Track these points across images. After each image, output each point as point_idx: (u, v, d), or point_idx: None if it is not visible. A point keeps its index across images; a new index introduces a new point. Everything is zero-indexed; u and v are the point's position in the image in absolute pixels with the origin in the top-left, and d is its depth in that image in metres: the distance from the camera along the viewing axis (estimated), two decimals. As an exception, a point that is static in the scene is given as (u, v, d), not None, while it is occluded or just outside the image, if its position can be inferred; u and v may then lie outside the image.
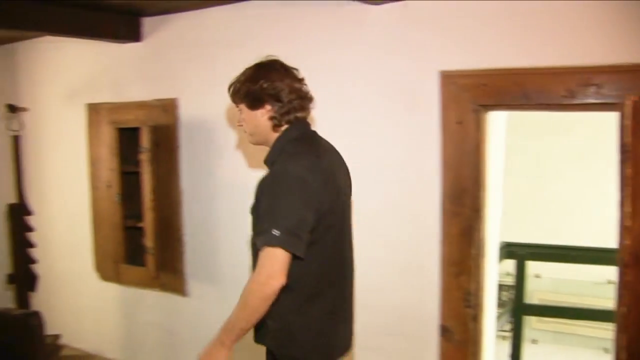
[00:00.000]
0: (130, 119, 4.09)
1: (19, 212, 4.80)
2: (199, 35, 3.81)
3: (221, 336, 2.22)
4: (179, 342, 4.14)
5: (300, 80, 2.34)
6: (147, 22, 4.08)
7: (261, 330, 2.32)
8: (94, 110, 4.33)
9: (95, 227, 4.42)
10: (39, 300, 4.98)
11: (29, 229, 4.84)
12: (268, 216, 2.13)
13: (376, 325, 3.21)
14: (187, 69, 3.87)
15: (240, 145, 3.67)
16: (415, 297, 3.11)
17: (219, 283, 3.85)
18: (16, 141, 4.75)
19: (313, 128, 2.40)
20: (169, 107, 3.88)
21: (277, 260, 2.09)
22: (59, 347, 4.79)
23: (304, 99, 2.32)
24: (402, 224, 3.14)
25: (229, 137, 3.70)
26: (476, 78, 2.80)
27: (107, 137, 4.21)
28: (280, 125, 2.29)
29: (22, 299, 4.82)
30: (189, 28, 3.86)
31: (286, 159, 2.22)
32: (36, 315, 3.35)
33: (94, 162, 4.35)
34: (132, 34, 4.07)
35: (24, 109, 4.79)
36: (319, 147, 2.35)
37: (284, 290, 2.13)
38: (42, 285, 4.95)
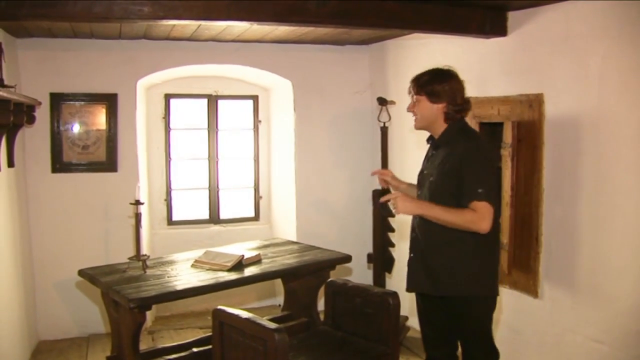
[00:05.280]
0: (493, 114, 4.10)
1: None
2: (567, 28, 3.63)
3: (423, 206, 2.96)
4: (523, 342, 4.06)
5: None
6: (513, 16, 4.04)
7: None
8: (458, 104, 4.44)
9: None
10: (392, 282, 5.33)
11: (390, 214, 5.15)
12: (472, 179, 2.81)
13: None
14: (554, 63, 3.72)
15: (611, 146, 3.40)
16: None
17: (575, 289, 3.64)
18: (384, 132, 5.12)
19: None
20: (534, 102, 3.78)
21: (487, 210, 2.79)
22: (406, 328, 5.08)
23: (467, 104, 3.04)
24: None
25: (599, 135, 3.45)
26: None
27: (471, 132, 4.26)
28: (450, 119, 2.99)
29: (379, 278, 5.20)
30: (556, 21, 3.71)
31: (468, 140, 2.94)
32: (395, 295, 3.59)
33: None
34: (497, 28, 4.08)
35: (392, 102, 5.14)
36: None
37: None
38: (396, 268, 5.28)
